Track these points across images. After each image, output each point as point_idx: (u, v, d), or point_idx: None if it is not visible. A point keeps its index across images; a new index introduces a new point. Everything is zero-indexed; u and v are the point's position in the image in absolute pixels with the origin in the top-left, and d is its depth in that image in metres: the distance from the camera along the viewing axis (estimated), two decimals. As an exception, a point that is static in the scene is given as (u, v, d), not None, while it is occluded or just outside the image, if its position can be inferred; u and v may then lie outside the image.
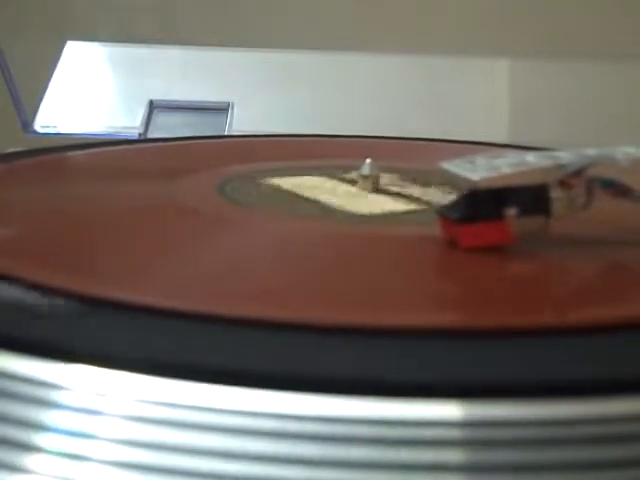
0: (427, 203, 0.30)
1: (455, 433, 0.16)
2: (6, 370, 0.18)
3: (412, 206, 0.30)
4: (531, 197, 0.24)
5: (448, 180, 0.26)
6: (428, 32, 0.62)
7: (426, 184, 0.33)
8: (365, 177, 0.32)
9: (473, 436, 0.16)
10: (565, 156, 0.25)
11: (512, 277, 0.24)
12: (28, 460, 0.17)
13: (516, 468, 0.16)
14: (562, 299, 0.22)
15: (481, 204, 0.24)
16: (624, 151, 0.25)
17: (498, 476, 0.16)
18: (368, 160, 0.32)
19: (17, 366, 0.18)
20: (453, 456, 0.16)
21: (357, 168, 0.32)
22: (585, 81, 0.54)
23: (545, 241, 0.25)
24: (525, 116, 0.53)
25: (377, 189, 0.32)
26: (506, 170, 0.24)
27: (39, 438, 0.17)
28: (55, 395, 0.17)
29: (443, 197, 0.30)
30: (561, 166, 0.25)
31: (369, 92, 0.54)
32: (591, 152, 0.25)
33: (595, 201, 0.25)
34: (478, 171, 0.24)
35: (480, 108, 0.53)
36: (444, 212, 0.25)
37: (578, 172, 0.25)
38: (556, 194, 0.25)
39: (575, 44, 0.60)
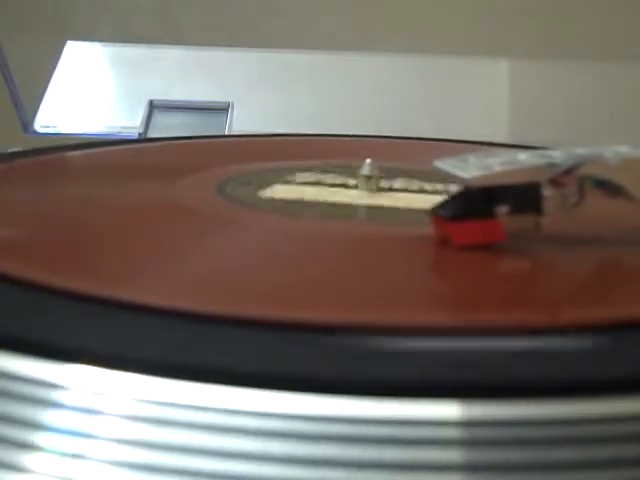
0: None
1: (455, 433, 0.16)
2: (6, 370, 0.18)
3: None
4: (523, 195, 0.24)
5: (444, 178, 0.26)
6: (428, 32, 0.62)
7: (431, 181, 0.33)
8: (368, 177, 0.32)
9: (473, 436, 0.16)
10: (557, 155, 0.25)
11: (508, 276, 0.24)
12: (28, 460, 0.17)
13: (516, 468, 0.16)
14: (559, 298, 0.22)
15: (473, 202, 0.24)
16: (614, 150, 0.25)
17: (498, 476, 0.16)
18: (368, 160, 0.32)
19: (17, 366, 0.18)
20: (453, 456, 0.16)
21: (356, 168, 0.32)
22: (585, 81, 0.54)
23: (537, 239, 0.25)
24: (525, 116, 0.53)
25: (379, 189, 0.32)
26: (498, 169, 0.24)
27: (39, 438, 0.17)
28: (55, 395, 0.17)
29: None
30: (553, 165, 0.25)
31: (369, 92, 0.54)
32: (582, 151, 0.25)
33: (587, 200, 0.25)
34: (470, 170, 0.24)
35: (480, 108, 0.53)
36: (436, 210, 0.25)
37: (569, 171, 0.25)
38: (548, 192, 0.25)
39: (575, 44, 0.60)
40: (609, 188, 0.25)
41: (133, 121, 0.52)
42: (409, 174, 0.34)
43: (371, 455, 0.16)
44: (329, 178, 0.34)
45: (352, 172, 0.33)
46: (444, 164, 0.25)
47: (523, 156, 0.25)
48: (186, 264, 0.24)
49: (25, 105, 0.51)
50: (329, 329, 0.19)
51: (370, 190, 0.32)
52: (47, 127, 0.52)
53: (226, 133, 0.51)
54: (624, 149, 0.25)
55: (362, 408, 0.16)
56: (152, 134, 0.51)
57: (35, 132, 0.51)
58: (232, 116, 0.52)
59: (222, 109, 0.52)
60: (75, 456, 0.17)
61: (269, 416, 0.16)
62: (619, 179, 0.25)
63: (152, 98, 0.52)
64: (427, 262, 0.25)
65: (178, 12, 0.64)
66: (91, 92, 0.54)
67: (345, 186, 0.32)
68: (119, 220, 0.28)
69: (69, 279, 0.21)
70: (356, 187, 0.32)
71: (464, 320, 0.21)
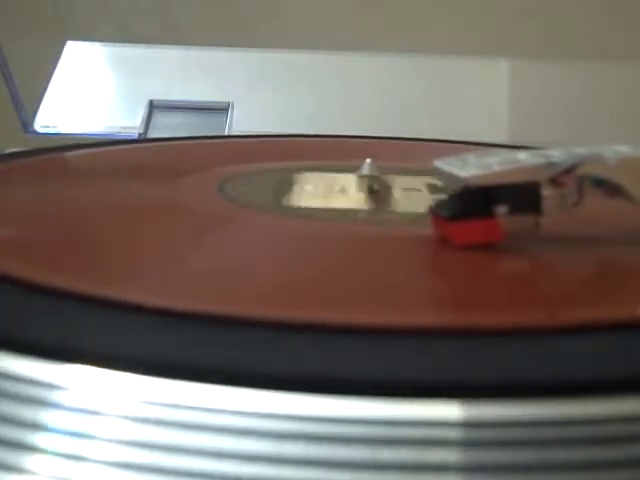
0: None
1: (455, 433, 0.16)
2: (6, 370, 0.18)
3: None
4: (522, 195, 0.25)
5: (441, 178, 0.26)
6: (428, 32, 0.62)
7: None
8: (368, 177, 0.32)
9: (473, 436, 0.16)
10: (556, 154, 0.25)
11: (508, 276, 0.24)
12: (28, 460, 0.17)
13: (516, 468, 0.16)
14: (559, 298, 0.22)
15: (472, 202, 0.24)
16: (613, 149, 0.25)
17: (498, 476, 0.16)
18: (368, 160, 0.32)
19: (17, 366, 0.18)
20: (453, 456, 0.16)
21: (356, 168, 0.32)
22: (585, 81, 0.54)
23: (536, 239, 0.25)
24: (525, 116, 0.53)
25: (379, 189, 0.32)
26: (497, 168, 0.24)
27: (39, 438, 0.17)
28: (55, 395, 0.17)
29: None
30: (552, 164, 0.25)
31: (369, 92, 0.54)
32: (581, 150, 0.25)
33: (586, 199, 0.25)
34: (469, 169, 0.24)
35: (480, 108, 0.53)
36: (435, 210, 0.25)
37: (569, 170, 0.25)
38: (547, 192, 0.25)
39: (575, 44, 0.60)
40: (608, 188, 0.25)
41: (133, 121, 0.52)
42: (409, 174, 0.34)
43: (371, 455, 0.16)
44: (329, 178, 0.34)
45: (352, 172, 0.33)
46: (443, 163, 0.25)
47: (522, 155, 0.25)
48: (186, 264, 0.24)
49: (25, 105, 0.51)
50: (329, 329, 0.19)
51: (370, 190, 0.32)
52: (47, 127, 0.52)
53: (226, 133, 0.51)
54: (623, 149, 0.25)
55: (362, 408, 0.16)
56: (152, 134, 0.51)
57: (35, 132, 0.51)
58: (232, 116, 0.52)
59: (222, 109, 0.52)
60: (75, 456, 0.17)
61: (269, 416, 0.16)
62: (618, 179, 0.25)
63: (152, 98, 0.52)
64: (427, 262, 0.25)
65: (178, 12, 0.64)
66: (91, 92, 0.54)
67: (345, 186, 0.32)
68: (119, 220, 0.28)
69: (69, 279, 0.21)
70: (356, 187, 0.32)
71: (464, 320, 0.21)
